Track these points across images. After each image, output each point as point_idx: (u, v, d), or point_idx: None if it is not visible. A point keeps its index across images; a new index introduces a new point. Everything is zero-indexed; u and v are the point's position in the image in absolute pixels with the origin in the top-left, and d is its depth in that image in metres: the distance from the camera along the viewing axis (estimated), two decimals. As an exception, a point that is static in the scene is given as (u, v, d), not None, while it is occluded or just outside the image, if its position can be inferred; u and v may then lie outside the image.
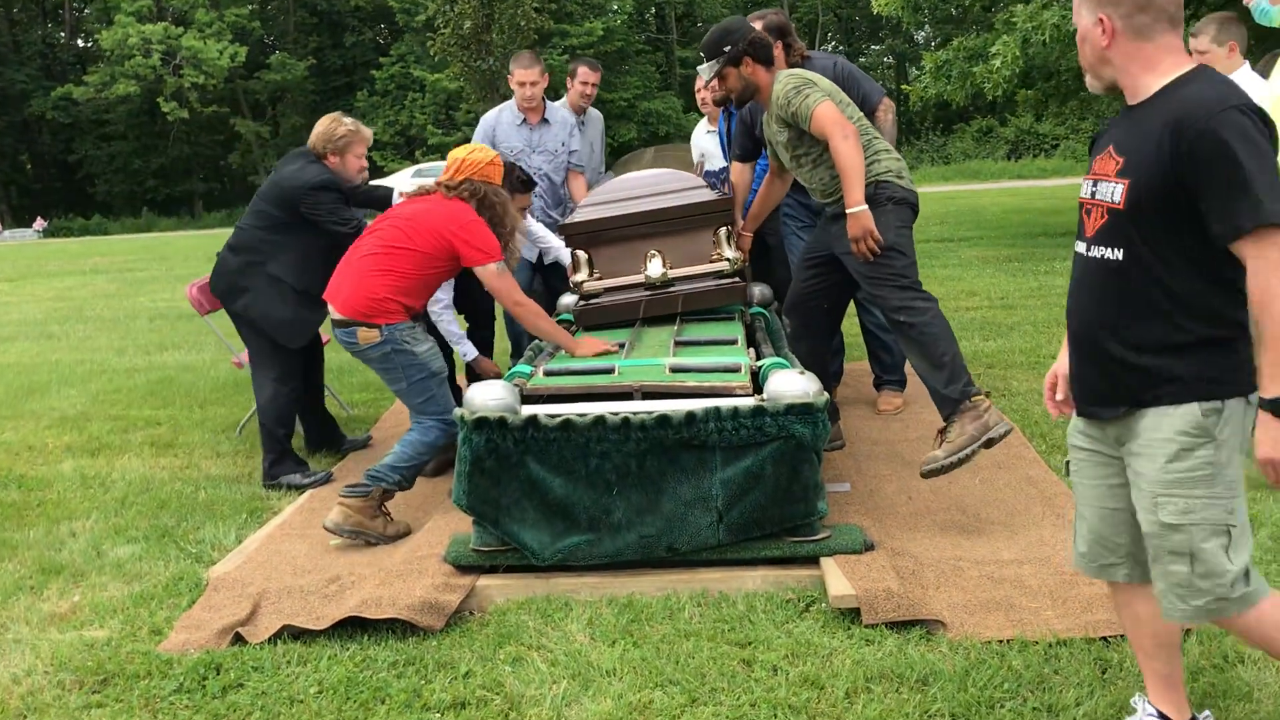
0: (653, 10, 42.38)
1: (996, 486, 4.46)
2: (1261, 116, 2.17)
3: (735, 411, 3.57)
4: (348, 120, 5.12)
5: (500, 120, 6.15)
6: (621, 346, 4.34)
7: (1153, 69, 2.30)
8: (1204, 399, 2.24)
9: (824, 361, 4.72)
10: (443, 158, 35.16)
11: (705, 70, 4.48)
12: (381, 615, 3.39)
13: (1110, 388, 2.38)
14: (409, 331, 4.28)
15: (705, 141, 6.35)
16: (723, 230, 4.84)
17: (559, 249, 5.62)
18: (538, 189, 5.87)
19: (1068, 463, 2.61)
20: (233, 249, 5.10)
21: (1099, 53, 2.35)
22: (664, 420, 3.56)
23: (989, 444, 3.97)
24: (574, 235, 4.86)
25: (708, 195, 4.86)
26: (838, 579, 3.44)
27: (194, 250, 23.24)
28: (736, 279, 4.84)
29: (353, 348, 4.27)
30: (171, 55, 37.50)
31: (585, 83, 6.35)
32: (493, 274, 4.27)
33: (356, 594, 3.54)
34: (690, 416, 3.56)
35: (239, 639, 3.42)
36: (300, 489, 4.97)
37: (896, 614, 3.26)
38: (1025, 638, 3.15)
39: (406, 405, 4.40)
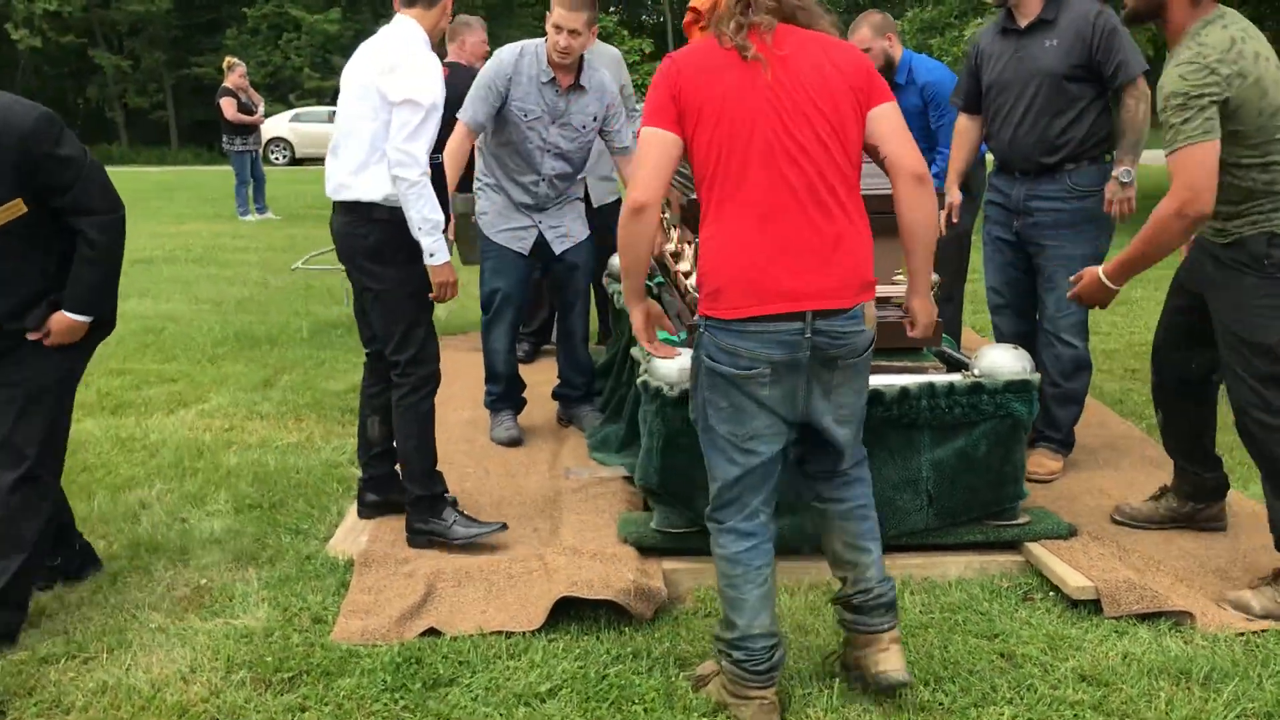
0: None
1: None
2: None
3: (950, 388, 3.37)
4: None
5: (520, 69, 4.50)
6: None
7: None
8: None
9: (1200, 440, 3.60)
10: (320, 103, 33.82)
11: None
12: (596, 597, 3.09)
13: None
14: None
15: None
16: None
17: None
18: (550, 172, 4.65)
19: None
20: None
21: None
22: (876, 397, 3.32)
23: None
24: (685, 210, 3.78)
25: None
26: (1065, 568, 3.29)
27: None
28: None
29: (846, 344, 2.55)
30: (21, -22, 34.89)
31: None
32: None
33: (558, 576, 3.21)
34: (904, 393, 3.35)
35: (433, 631, 3.07)
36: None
37: (1140, 606, 3.12)
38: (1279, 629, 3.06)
39: (848, 433, 2.69)
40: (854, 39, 5.16)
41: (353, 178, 3.59)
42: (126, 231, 3.18)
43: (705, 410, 2.57)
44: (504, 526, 3.65)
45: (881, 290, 3.61)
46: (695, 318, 2.53)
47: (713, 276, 2.51)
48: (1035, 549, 3.44)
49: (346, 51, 30.08)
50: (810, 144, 2.48)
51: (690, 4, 3.40)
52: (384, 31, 3.68)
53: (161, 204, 15.90)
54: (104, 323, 3.24)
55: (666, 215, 4.80)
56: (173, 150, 36.09)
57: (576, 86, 4.49)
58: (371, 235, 3.59)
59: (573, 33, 4.28)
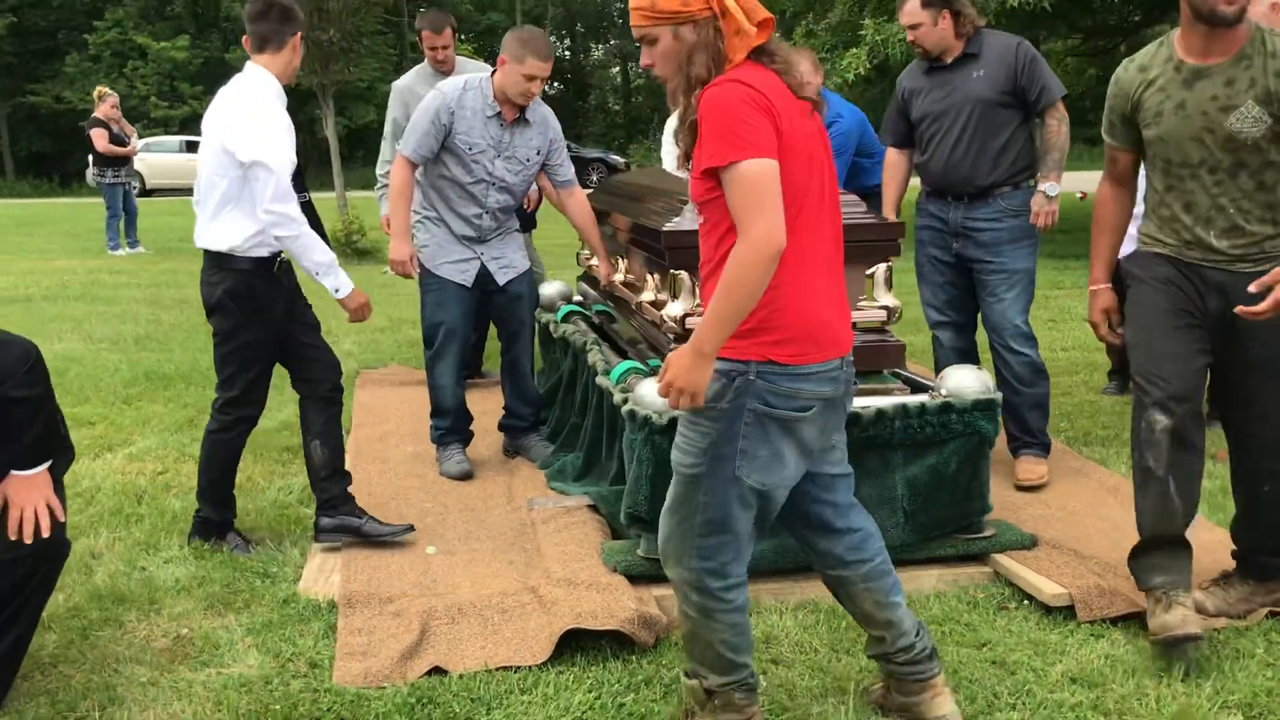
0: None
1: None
2: None
3: (922, 408, 3.52)
4: None
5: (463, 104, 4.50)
6: None
7: None
8: None
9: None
10: (169, 132, 32.67)
11: None
12: (603, 628, 3.11)
13: None
14: None
15: None
16: (880, 268, 3.73)
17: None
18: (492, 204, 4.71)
19: None
20: None
21: None
22: (853, 419, 3.43)
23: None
24: (677, 249, 3.69)
25: (869, 218, 3.78)
26: (1038, 577, 3.45)
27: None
28: (890, 335, 3.79)
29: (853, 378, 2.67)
30: None
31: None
32: None
33: (560, 609, 3.21)
34: (880, 414, 3.48)
35: (436, 670, 3.04)
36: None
37: (1112, 609, 3.30)
38: (1235, 625, 3.27)
39: (846, 467, 2.71)
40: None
41: (205, 228, 3.79)
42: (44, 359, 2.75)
43: (736, 462, 2.44)
44: (248, 546, 3.95)
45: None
46: (736, 364, 2.42)
47: (785, 326, 2.40)
48: (1004, 560, 3.61)
49: (195, 80, 28.97)
50: (837, 195, 2.57)
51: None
52: (236, 80, 3.80)
53: (22, 239, 15.23)
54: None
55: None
56: (8, 182, 34.50)
57: (521, 120, 4.53)
58: (223, 283, 3.77)
59: (543, 80, 4.38)
